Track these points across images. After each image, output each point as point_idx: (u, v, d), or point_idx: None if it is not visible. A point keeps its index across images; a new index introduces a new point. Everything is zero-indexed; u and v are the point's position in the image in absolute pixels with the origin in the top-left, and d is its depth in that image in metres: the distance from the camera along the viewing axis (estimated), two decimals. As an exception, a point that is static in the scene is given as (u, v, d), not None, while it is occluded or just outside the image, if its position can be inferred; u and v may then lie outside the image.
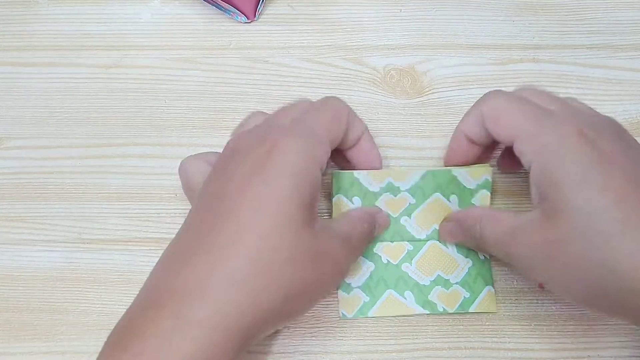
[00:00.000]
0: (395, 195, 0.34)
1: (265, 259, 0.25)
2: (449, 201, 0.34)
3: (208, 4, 0.41)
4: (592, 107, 0.38)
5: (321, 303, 0.33)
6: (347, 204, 0.33)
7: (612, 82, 0.39)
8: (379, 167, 0.33)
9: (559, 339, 0.33)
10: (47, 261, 0.34)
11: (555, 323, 0.33)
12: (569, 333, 0.33)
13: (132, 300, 0.33)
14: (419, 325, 0.33)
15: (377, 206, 0.33)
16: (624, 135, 0.28)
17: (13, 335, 0.33)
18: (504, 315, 0.33)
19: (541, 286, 0.33)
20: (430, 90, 0.39)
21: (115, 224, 0.35)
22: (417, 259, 0.34)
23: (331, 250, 0.28)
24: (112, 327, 0.32)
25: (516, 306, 0.33)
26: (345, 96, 0.39)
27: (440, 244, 0.34)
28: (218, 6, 0.41)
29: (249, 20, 0.41)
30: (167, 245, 0.34)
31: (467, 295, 0.33)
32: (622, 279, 0.24)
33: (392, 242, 0.34)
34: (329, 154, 0.29)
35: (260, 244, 0.25)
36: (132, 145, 0.37)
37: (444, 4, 0.42)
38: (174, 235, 0.34)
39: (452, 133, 0.37)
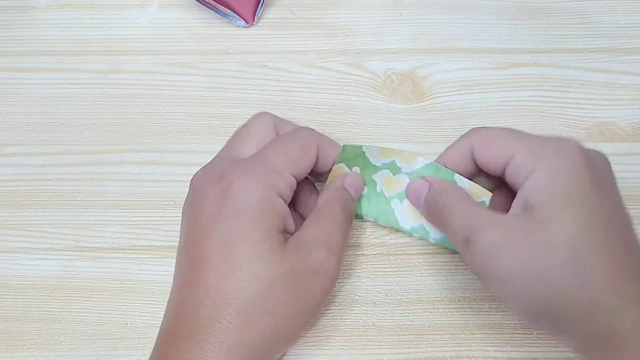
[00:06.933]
0: (394, 175, 0.33)
1: (244, 303, 0.26)
2: None
3: (207, 9, 0.41)
4: (593, 111, 0.38)
5: (321, 311, 0.33)
6: (345, 171, 0.33)
7: (614, 87, 0.39)
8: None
9: (562, 347, 0.32)
10: (44, 269, 0.34)
11: (558, 331, 0.33)
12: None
13: (128, 309, 0.33)
14: (420, 334, 0.32)
15: (347, 172, 0.33)
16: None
17: (11, 344, 0.32)
18: (505, 323, 0.32)
19: None
20: (431, 95, 0.39)
21: (114, 231, 0.35)
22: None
23: (310, 262, 0.28)
24: (110, 337, 0.32)
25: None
26: (345, 101, 0.38)
27: None
28: (217, 10, 0.41)
29: (248, 25, 0.41)
30: (165, 252, 0.34)
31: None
32: (578, 301, 0.25)
33: (378, 220, 0.33)
34: (294, 184, 0.30)
35: (234, 288, 0.27)
36: (130, 152, 0.37)
37: (444, 8, 0.41)
38: (172, 243, 0.34)
39: (453, 138, 0.37)
